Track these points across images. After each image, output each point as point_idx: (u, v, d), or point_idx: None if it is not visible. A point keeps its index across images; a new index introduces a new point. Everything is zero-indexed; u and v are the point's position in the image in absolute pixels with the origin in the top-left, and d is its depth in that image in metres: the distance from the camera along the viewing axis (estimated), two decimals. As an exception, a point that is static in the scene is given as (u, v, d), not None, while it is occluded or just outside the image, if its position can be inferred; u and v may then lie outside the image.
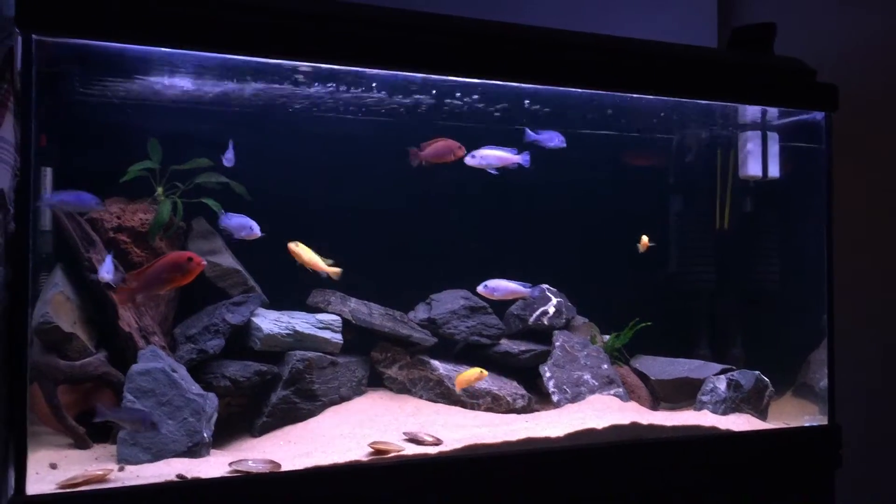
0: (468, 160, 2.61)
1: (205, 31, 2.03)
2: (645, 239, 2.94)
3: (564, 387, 2.79)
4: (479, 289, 2.74)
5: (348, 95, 2.61)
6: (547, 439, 2.36)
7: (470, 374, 2.59)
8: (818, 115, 2.79)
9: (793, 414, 2.88)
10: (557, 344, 2.92)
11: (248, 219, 2.42)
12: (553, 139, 2.69)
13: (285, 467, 2.08)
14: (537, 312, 2.99)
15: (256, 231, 2.41)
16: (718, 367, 2.93)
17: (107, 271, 2.21)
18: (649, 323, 3.06)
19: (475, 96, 2.67)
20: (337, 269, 2.56)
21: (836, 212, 2.75)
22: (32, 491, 1.86)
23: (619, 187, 3.16)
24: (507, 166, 2.63)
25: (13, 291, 1.91)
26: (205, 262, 2.23)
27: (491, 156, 2.60)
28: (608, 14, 3.42)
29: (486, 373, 2.62)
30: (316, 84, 2.50)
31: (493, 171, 2.62)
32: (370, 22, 2.23)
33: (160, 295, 2.49)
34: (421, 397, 2.74)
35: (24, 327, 1.90)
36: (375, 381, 2.78)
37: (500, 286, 2.68)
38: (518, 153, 2.63)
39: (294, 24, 2.11)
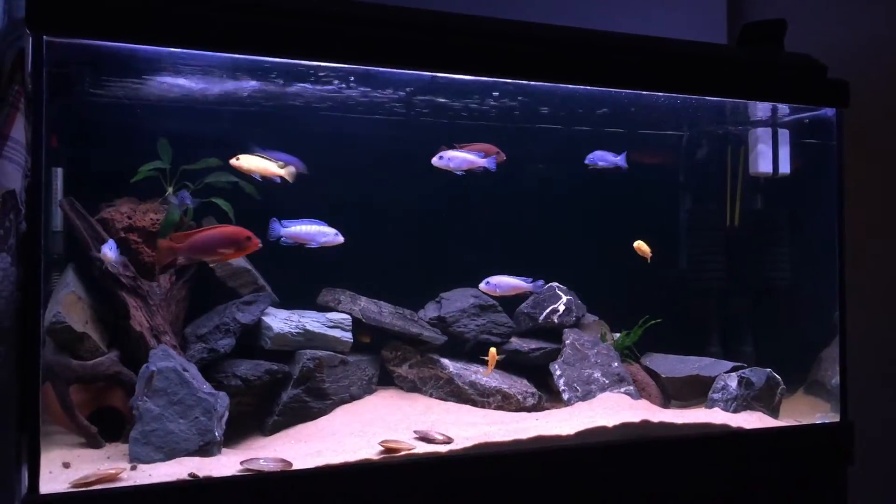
0: (434, 161, 2.60)
1: (214, 32, 2.04)
2: (639, 244, 2.91)
3: (575, 385, 2.79)
4: (482, 286, 2.75)
5: (358, 94, 2.61)
6: (557, 437, 2.35)
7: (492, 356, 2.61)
8: (829, 112, 2.77)
9: (805, 411, 2.87)
10: (567, 342, 2.91)
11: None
12: (605, 158, 2.77)
13: (296, 466, 2.09)
14: (547, 310, 2.98)
15: (339, 238, 2.44)
16: (729, 364, 2.92)
17: (109, 248, 2.21)
18: (659, 321, 3.05)
19: (489, 94, 2.69)
20: (290, 170, 2.43)
21: (847, 208, 2.73)
22: (46, 490, 1.87)
23: (630, 185, 3.15)
24: (474, 170, 2.61)
25: (25, 291, 1.92)
26: (260, 244, 2.21)
27: (458, 158, 2.59)
28: (617, 11, 3.41)
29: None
30: (325, 83, 2.50)
31: (459, 173, 2.61)
32: (381, 22, 2.24)
33: (171, 294, 2.50)
34: (431, 396, 2.74)
35: (36, 327, 1.91)
36: (386, 380, 2.79)
37: (502, 282, 2.68)
38: (485, 157, 2.62)
39: (303, 25, 2.12)
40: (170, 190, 2.53)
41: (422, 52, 2.25)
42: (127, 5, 1.95)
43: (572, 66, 2.41)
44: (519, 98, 2.74)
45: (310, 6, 2.16)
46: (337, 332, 2.63)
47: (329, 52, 2.18)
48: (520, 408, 2.74)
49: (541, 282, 2.77)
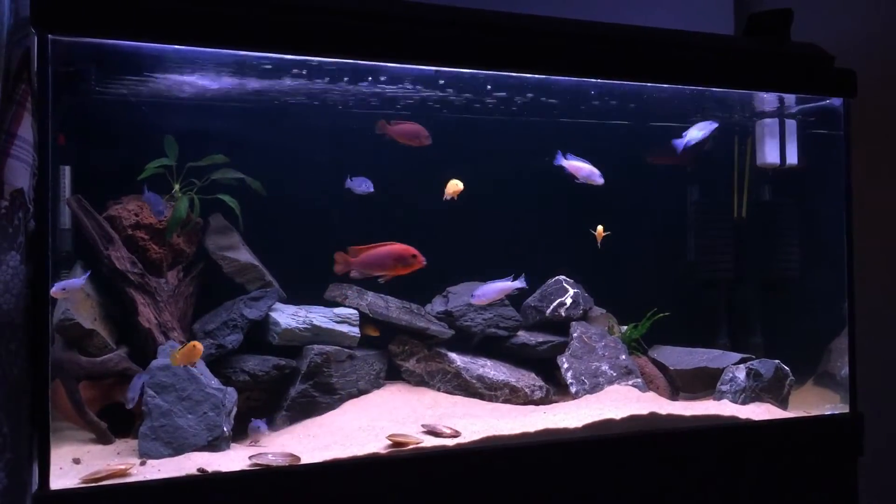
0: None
1: (220, 28, 2.04)
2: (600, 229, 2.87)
3: (582, 378, 2.79)
4: (471, 300, 2.73)
5: (361, 89, 2.61)
6: (565, 430, 2.36)
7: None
8: (836, 102, 2.76)
9: (814, 403, 2.86)
10: (575, 335, 2.91)
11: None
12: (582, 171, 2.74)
13: (305, 460, 2.10)
14: (554, 304, 2.98)
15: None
16: (737, 356, 2.91)
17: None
18: (667, 313, 3.04)
19: (488, 87, 2.68)
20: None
21: (855, 198, 2.72)
22: (56, 486, 1.88)
23: (636, 177, 3.15)
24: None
25: (34, 289, 1.94)
26: (425, 262, 2.37)
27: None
28: (622, 2, 3.39)
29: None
30: (327, 78, 2.50)
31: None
32: (385, 16, 2.24)
33: (179, 290, 2.51)
34: (439, 390, 2.75)
35: (44, 324, 1.92)
36: (393, 374, 2.79)
37: (488, 290, 2.67)
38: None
39: (303, 20, 2.12)
40: (176, 187, 2.54)
41: (427, 47, 2.25)
42: (131, 3, 1.95)
43: (577, 58, 2.40)
44: (524, 91, 2.73)
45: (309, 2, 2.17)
46: (344, 328, 2.63)
47: (336, 48, 2.19)
48: (527, 401, 2.74)
49: (522, 276, 2.73)
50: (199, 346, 2.17)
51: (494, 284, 2.67)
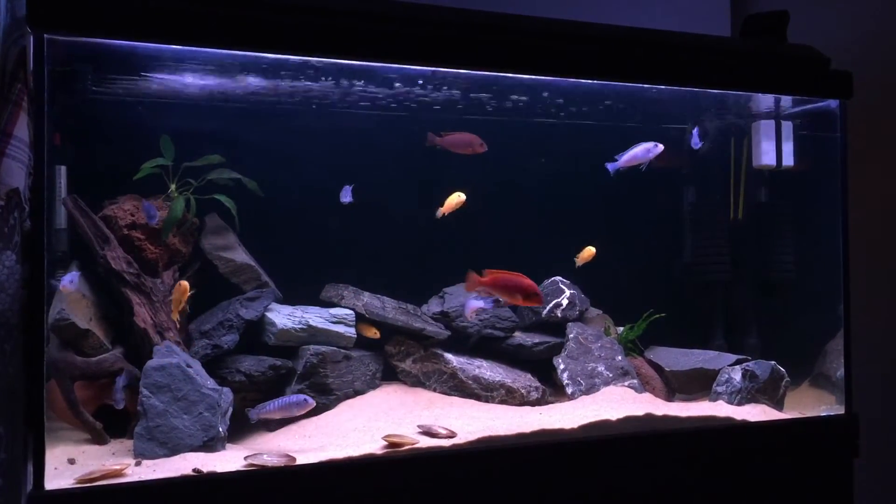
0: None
1: (217, 28, 2.04)
2: (590, 251, 2.90)
3: (579, 378, 2.79)
4: (466, 313, 2.77)
5: (358, 90, 2.61)
6: (561, 431, 2.36)
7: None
8: (833, 103, 2.76)
9: (809, 404, 2.86)
10: (571, 336, 2.91)
11: None
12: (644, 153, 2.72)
13: (300, 461, 2.09)
14: (551, 304, 2.98)
15: None
16: (733, 357, 2.91)
17: (69, 280, 2.23)
18: (664, 314, 3.05)
19: (492, 89, 2.68)
20: None
21: (851, 200, 2.72)
22: (51, 486, 1.88)
23: (633, 178, 3.15)
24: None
25: (30, 289, 1.94)
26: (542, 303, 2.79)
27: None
28: (619, 4, 3.40)
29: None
30: (326, 79, 2.50)
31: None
32: (382, 16, 2.24)
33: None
34: (435, 390, 2.74)
35: (40, 324, 1.92)
36: (389, 375, 2.79)
37: (470, 304, 2.69)
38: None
39: (301, 20, 2.12)
40: (172, 187, 2.54)
41: (422, 48, 2.25)
42: (128, 3, 1.95)
43: (574, 59, 2.40)
44: (518, 92, 2.73)
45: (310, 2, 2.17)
46: (340, 328, 2.64)
47: (334, 49, 2.19)
48: (523, 402, 2.74)
49: (491, 299, 2.73)
50: (184, 283, 2.17)
51: (473, 301, 2.69)
